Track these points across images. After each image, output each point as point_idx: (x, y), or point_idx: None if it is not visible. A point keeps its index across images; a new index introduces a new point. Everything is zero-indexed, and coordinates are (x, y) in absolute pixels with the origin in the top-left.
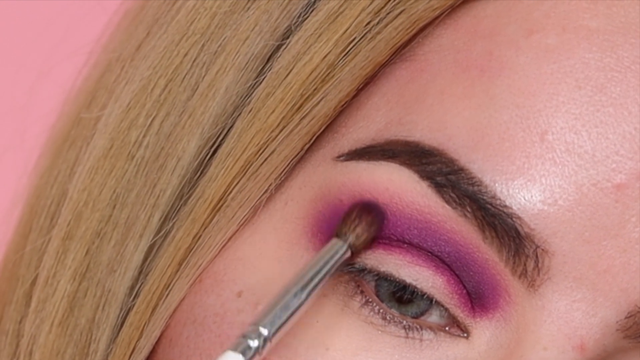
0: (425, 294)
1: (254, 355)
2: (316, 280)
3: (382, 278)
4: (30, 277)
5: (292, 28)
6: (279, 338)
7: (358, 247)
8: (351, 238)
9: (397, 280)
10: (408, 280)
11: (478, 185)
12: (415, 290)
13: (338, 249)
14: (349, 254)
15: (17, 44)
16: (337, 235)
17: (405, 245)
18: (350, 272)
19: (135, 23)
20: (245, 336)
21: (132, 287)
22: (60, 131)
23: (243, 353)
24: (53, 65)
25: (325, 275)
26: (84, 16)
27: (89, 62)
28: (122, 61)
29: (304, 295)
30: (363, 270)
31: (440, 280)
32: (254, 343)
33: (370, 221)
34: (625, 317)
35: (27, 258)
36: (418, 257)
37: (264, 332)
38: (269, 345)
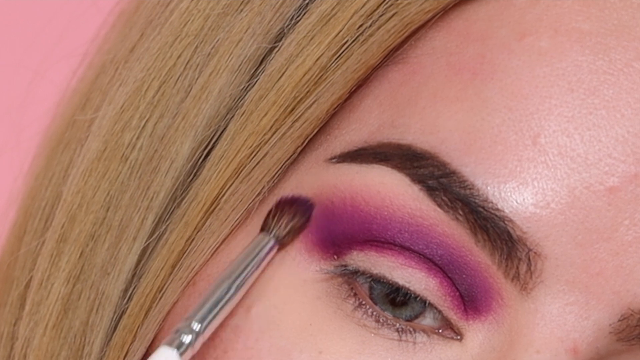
0: (418, 296)
1: (186, 350)
2: (244, 274)
3: (375, 280)
4: (24, 279)
5: (285, 30)
6: (211, 331)
7: (284, 239)
8: (275, 230)
9: (390, 282)
10: (401, 282)
11: (470, 189)
12: (409, 292)
13: (264, 242)
14: (275, 245)
15: (13, 44)
16: (262, 229)
17: (398, 248)
18: (344, 274)
19: (129, 24)
20: (178, 331)
21: (125, 290)
22: (55, 133)
23: (178, 347)
24: (49, 66)
25: (252, 268)
26: (79, 17)
27: (84, 63)
28: (116, 63)
29: (233, 289)
30: (356, 272)
31: (434, 282)
32: (187, 338)
33: (294, 211)
34: (618, 320)
35: (21, 260)
36: (411, 259)
37: (196, 327)
38: (200, 339)
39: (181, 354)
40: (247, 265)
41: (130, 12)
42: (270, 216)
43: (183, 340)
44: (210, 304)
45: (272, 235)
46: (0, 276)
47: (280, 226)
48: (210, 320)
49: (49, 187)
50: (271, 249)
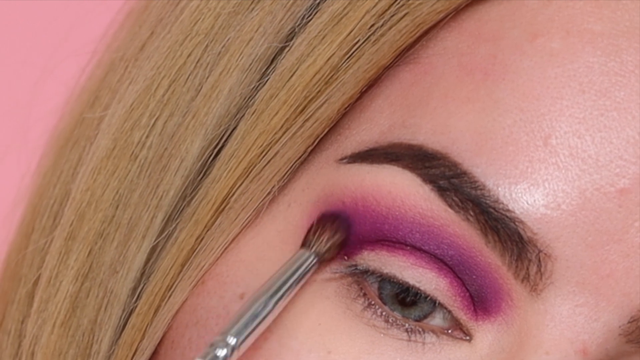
0: (428, 295)
1: None
2: (284, 289)
3: (385, 280)
4: (32, 277)
5: (296, 30)
6: (247, 347)
7: (324, 255)
8: (316, 246)
9: (400, 281)
10: (411, 282)
11: (481, 189)
12: (419, 292)
13: (305, 258)
14: (315, 262)
15: (20, 42)
16: (303, 245)
17: (409, 248)
18: (354, 273)
19: (139, 23)
20: (213, 345)
21: (134, 289)
22: (64, 131)
23: None
24: (56, 63)
25: (292, 284)
26: (87, 15)
27: (93, 61)
28: (126, 61)
29: (271, 305)
30: (366, 271)
31: (444, 282)
32: (221, 352)
33: (335, 228)
34: (628, 322)
35: (29, 258)
36: (421, 259)
37: (232, 341)
38: (236, 354)
39: None
40: (286, 280)
41: (139, 10)
42: (312, 232)
43: (217, 354)
44: (247, 318)
45: (312, 251)
46: (8, 274)
47: (321, 242)
48: (247, 336)
49: (58, 184)
50: (311, 265)
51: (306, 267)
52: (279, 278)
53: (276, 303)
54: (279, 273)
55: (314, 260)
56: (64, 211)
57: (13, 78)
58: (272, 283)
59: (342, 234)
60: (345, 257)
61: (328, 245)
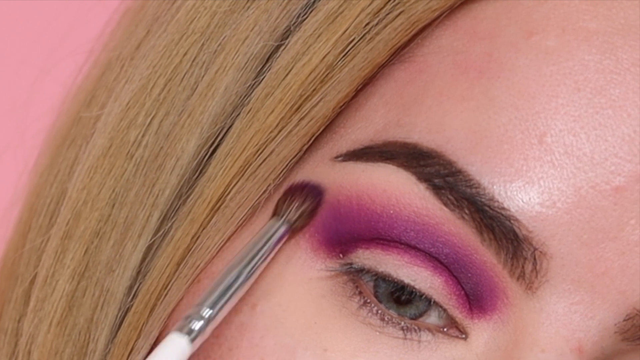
0: (423, 294)
1: (197, 336)
2: (256, 259)
3: (380, 278)
4: (29, 276)
5: (292, 28)
6: (221, 318)
7: (295, 223)
8: (287, 215)
9: (395, 280)
10: (406, 280)
11: (476, 188)
12: (414, 290)
13: (276, 227)
14: (287, 230)
15: (18, 42)
16: (274, 214)
17: (403, 246)
18: (349, 272)
19: (135, 22)
20: (189, 317)
21: (130, 287)
22: (60, 130)
23: (188, 334)
24: (54, 63)
25: (264, 253)
26: (84, 14)
27: (90, 61)
28: (122, 60)
29: (244, 275)
30: (361, 270)
31: (439, 280)
32: (196, 324)
33: (304, 196)
34: (624, 320)
35: (26, 257)
36: (416, 257)
37: (206, 313)
38: (211, 326)
39: (192, 341)
40: (259, 250)
41: (136, 9)
42: (281, 201)
43: (193, 327)
44: (221, 289)
45: (283, 220)
46: (4, 273)
47: (291, 210)
48: (222, 306)
49: (54, 184)
50: (283, 234)
51: (278, 236)
52: (251, 248)
53: (250, 273)
54: (251, 244)
55: (285, 229)
56: (60, 210)
57: (11, 77)
58: (245, 254)
59: (312, 202)
60: (341, 255)
61: (298, 213)
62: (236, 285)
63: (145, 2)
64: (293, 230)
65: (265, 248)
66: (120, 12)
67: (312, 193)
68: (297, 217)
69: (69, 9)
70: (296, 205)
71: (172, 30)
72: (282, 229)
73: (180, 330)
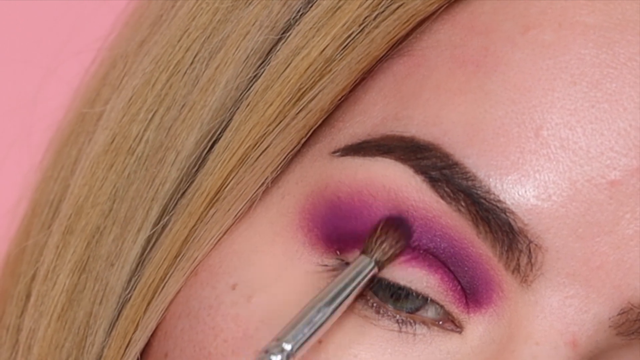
0: (420, 294)
1: None
2: (342, 296)
3: (377, 281)
4: (30, 271)
5: (292, 23)
6: (302, 354)
7: (384, 263)
8: (377, 254)
9: (391, 282)
10: (402, 282)
11: (472, 180)
12: (410, 291)
13: (364, 265)
14: (375, 270)
15: (25, 41)
16: (364, 251)
17: None
18: None
19: (140, 20)
20: (267, 351)
21: (129, 281)
22: (65, 127)
23: None
24: (60, 62)
25: (350, 291)
26: (91, 14)
27: (96, 60)
28: (126, 57)
29: (328, 312)
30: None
31: (434, 279)
32: (276, 358)
33: (397, 237)
34: (618, 314)
35: (28, 252)
36: (412, 257)
37: (287, 347)
38: None
39: None
40: (344, 287)
41: (140, 9)
42: (374, 239)
43: None
44: (304, 324)
45: (373, 258)
46: (8, 269)
47: (382, 250)
48: (303, 342)
49: (58, 180)
50: (369, 272)
51: (365, 275)
52: (337, 284)
53: (334, 310)
54: (338, 279)
55: (374, 268)
56: (62, 206)
57: (17, 76)
58: (330, 289)
59: (404, 242)
60: (338, 252)
61: (389, 253)
62: (320, 321)
63: (150, 2)
64: (380, 269)
65: (351, 287)
66: (127, 13)
67: (405, 233)
68: (387, 258)
69: (75, 9)
70: (388, 245)
71: (174, 27)
72: (370, 268)
73: None
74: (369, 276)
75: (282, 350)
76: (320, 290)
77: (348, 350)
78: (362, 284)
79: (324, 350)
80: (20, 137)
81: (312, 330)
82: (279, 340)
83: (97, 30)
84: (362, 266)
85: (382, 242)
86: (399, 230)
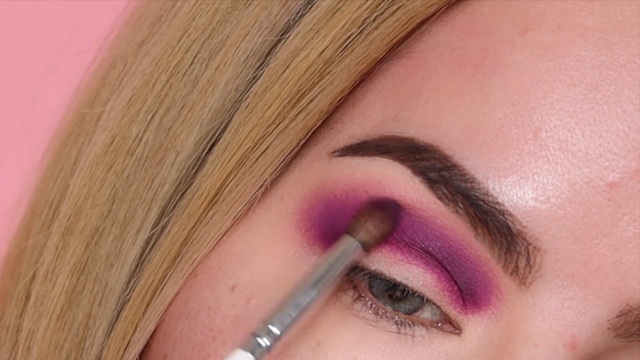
0: (416, 292)
1: (264, 354)
2: (327, 277)
3: (373, 276)
4: (30, 272)
5: (291, 24)
6: (290, 336)
7: (370, 243)
8: (362, 234)
9: (388, 278)
10: (398, 279)
11: (471, 182)
12: (406, 288)
13: (348, 245)
14: (360, 250)
15: (25, 41)
16: (348, 232)
17: (397, 243)
18: None
19: (140, 21)
20: (254, 334)
21: (128, 282)
22: (65, 128)
23: (252, 352)
24: (60, 62)
25: (336, 272)
26: (91, 14)
27: (96, 60)
28: (125, 58)
29: (314, 293)
30: (354, 268)
31: (431, 278)
32: (264, 342)
33: (382, 217)
34: (617, 316)
35: (28, 253)
36: (409, 254)
37: (275, 330)
38: (279, 344)
39: (257, 359)
40: (330, 267)
41: (140, 9)
42: (357, 219)
43: (260, 344)
44: (289, 306)
45: (357, 239)
46: (8, 269)
47: (367, 230)
48: (290, 323)
49: (57, 180)
50: (354, 252)
51: (349, 255)
52: (321, 265)
53: (319, 291)
54: (322, 260)
55: (357, 247)
56: (62, 207)
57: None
58: (315, 270)
59: (389, 223)
60: None
61: (373, 233)
62: (305, 303)
63: (150, 2)
64: (366, 250)
65: (336, 266)
66: (128, 13)
67: (391, 214)
68: (372, 238)
69: (75, 9)
70: (372, 225)
71: (174, 28)
72: (355, 248)
73: (244, 347)
74: (353, 256)
75: (269, 332)
76: (307, 272)
77: (347, 352)
78: (346, 264)
79: (322, 352)
80: (20, 137)
81: (298, 312)
82: (265, 322)
83: (98, 30)
84: (345, 246)
85: (365, 221)
86: (384, 210)
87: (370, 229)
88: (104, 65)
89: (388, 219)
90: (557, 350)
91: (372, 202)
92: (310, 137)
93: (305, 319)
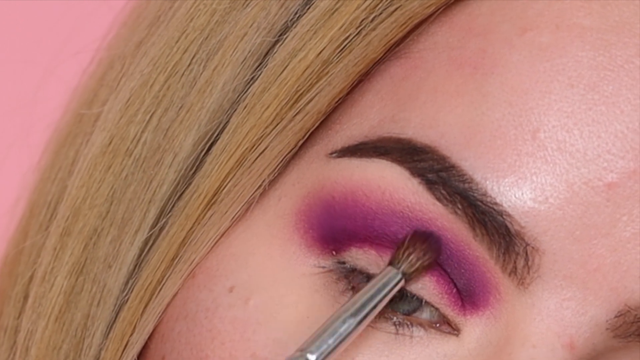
0: (414, 295)
1: None
2: (368, 307)
3: (371, 279)
4: (28, 272)
5: (289, 25)
6: None
7: (411, 275)
8: (404, 266)
9: None
10: None
11: (469, 183)
12: (404, 291)
13: (391, 277)
14: (402, 282)
15: (25, 41)
16: (391, 263)
17: (395, 244)
18: (341, 271)
19: (138, 21)
20: None
21: (126, 283)
22: (63, 128)
23: None
24: (60, 62)
25: (377, 303)
26: (90, 14)
27: (95, 60)
28: (123, 58)
29: (354, 323)
30: (353, 270)
31: (430, 280)
32: None
33: (425, 249)
34: (615, 316)
35: (26, 254)
36: None
37: (311, 358)
38: None
39: None
40: (371, 298)
41: (140, 9)
42: (401, 250)
43: None
44: (328, 335)
45: (400, 270)
46: (6, 270)
47: (409, 262)
48: (328, 353)
49: (55, 181)
50: (396, 284)
51: (391, 286)
52: (363, 295)
53: (359, 322)
54: (364, 290)
55: (401, 280)
56: (60, 207)
57: (16, 77)
58: (356, 300)
59: (432, 255)
60: (334, 252)
61: (417, 265)
62: (345, 333)
63: (148, 2)
64: (407, 281)
65: (377, 298)
66: (126, 13)
67: (434, 246)
68: (414, 270)
69: (74, 9)
70: (415, 257)
71: (172, 28)
72: (397, 280)
73: None
74: (396, 288)
75: None
76: (345, 301)
77: (345, 353)
78: (388, 296)
79: None
80: (19, 137)
81: (337, 342)
82: (303, 350)
83: (97, 30)
84: (388, 278)
85: (409, 254)
86: (426, 242)
87: (413, 261)
88: (102, 65)
89: (431, 250)
90: (555, 350)
91: (415, 234)
92: (308, 138)
93: (342, 348)
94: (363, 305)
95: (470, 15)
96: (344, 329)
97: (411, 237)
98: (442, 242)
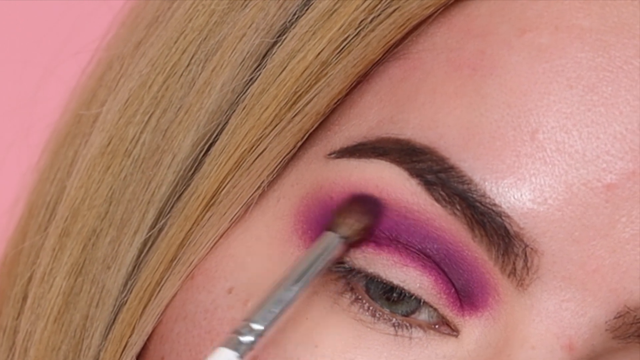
0: (413, 294)
1: (247, 351)
2: (308, 273)
3: (370, 279)
4: (27, 273)
5: (288, 26)
6: (272, 333)
7: (351, 238)
8: (343, 229)
9: (385, 281)
10: (395, 281)
11: (468, 184)
12: (403, 291)
13: (330, 241)
14: (341, 245)
15: (25, 41)
16: (329, 227)
17: (394, 244)
18: (339, 271)
19: (136, 21)
20: (237, 332)
21: (125, 284)
22: (61, 128)
23: (236, 349)
24: (59, 62)
25: (317, 268)
26: (89, 15)
27: (93, 60)
28: (122, 59)
29: (296, 289)
30: (352, 270)
31: (428, 280)
32: (246, 338)
33: (363, 211)
34: (614, 318)
35: (25, 255)
36: (406, 256)
37: (257, 327)
38: (262, 341)
39: (241, 356)
40: (311, 263)
41: (138, 9)
42: (339, 214)
43: (242, 340)
44: (272, 303)
45: (339, 234)
46: (5, 270)
47: (348, 225)
48: (272, 320)
49: (54, 182)
50: (335, 247)
51: (331, 250)
52: (302, 261)
53: (301, 288)
54: (303, 256)
55: (340, 243)
56: (59, 208)
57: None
58: (296, 267)
59: (371, 218)
60: None
61: (354, 227)
62: (287, 300)
63: (147, 2)
64: (348, 245)
65: (317, 263)
66: (124, 13)
67: (372, 209)
68: (353, 233)
69: (74, 9)
70: (353, 220)
71: (171, 29)
72: (336, 243)
73: (226, 345)
74: (335, 251)
75: (252, 330)
76: (288, 269)
77: (344, 355)
78: (328, 259)
79: (320, 354)
80: (18, 138)
81: (280, 309)
82: (247, 320)
83: (97, 30)
84: (327, 242)
85: (346, 217)
86: (364, 205)
87: (351, 223)
88: (101, 66)
89: (369, 212)
90: (554, 352)
91: (353, 198)
92: (307, 139)
93: (286, 315)
94: (304, 271)
95: (469, 16)
96: (286, 296)
97: (349, 202)
98: (382, 204)
